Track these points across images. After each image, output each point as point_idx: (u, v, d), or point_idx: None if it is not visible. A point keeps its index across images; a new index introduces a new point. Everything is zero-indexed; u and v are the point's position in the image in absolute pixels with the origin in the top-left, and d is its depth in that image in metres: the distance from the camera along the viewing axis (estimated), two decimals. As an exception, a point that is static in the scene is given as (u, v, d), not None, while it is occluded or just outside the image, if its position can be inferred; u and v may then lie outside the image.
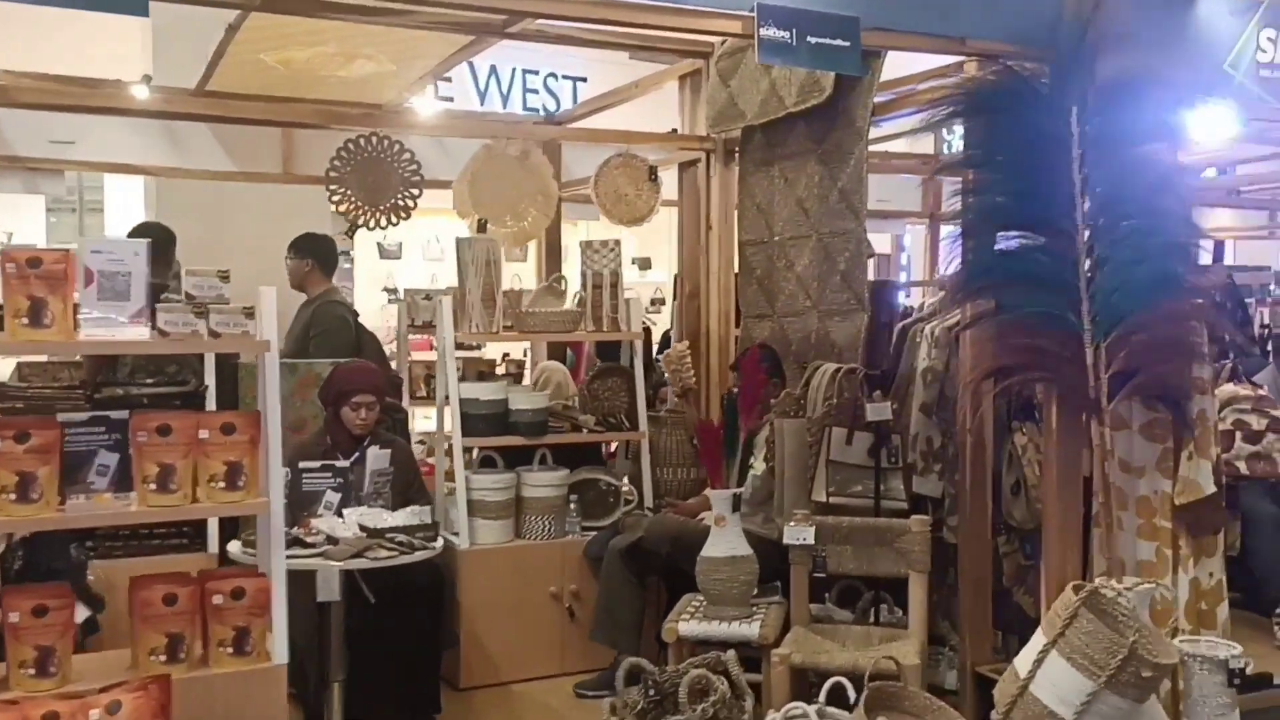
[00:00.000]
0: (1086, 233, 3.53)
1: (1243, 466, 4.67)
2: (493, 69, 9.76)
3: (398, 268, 8.95)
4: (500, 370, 6.23)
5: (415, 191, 5.13)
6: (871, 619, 4.14)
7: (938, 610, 4.37)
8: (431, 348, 7.69)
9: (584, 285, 5.07)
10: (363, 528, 3.66)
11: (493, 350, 7.14)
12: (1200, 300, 3.72)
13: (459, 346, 4.94)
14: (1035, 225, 3.56)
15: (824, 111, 4.76)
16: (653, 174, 5.42)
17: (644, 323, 6.79)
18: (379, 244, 8.61)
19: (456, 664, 4.70)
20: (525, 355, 7.30)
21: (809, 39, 3.17)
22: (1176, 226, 3.61)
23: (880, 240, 10.49)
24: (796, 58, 3.18)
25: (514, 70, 8.44)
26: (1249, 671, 5.04)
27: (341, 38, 5.28)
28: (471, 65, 8.56)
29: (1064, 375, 3.53)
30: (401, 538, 3.62)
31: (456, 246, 4.82)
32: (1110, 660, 3.03)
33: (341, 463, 3.97)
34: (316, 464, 3.89)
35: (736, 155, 5.44)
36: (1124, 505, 3.85)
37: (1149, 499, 3.79)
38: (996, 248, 3.54)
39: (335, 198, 5.01)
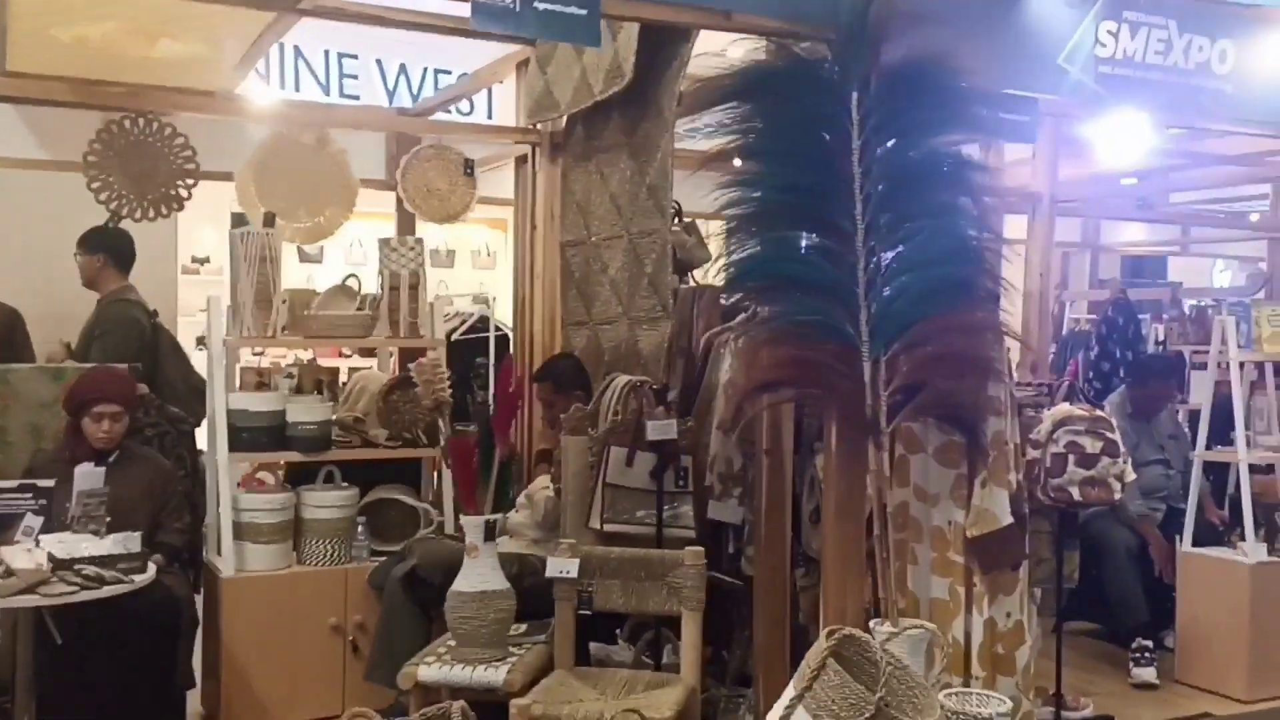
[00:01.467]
0: (866, 233, 3.17)
1: (1076, 492, 4.31)
2: (379, 63, 9.30)
3: (318, 272, 8.44)
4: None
5: (189, 181, 4.68)
6: (653, 660, 3.74)
7: (744, 649, 3.99)
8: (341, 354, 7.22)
9: (380, 286, 4.64)
10: (51, 557, 3.20)
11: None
12: (994, 311, 3.36)
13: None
14: (811, 223, 3.18)
15: (636, 100, 4.37)
16: (468, 167, 5.00)
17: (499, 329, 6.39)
18: (299, 247, 8.13)
19: (217, 705, 4.24)
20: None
21: (535, 4, 2.77)
22: (969, 228, 3.25)
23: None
24: (520, 24, 2.77)
25: (400, 65, 8.00)
26: (1091, 713, 4.76)
27: (130, 14, 4.86)
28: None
29: (840, 392, 3.15)
30: (91, 570, 3.17)
31: (230, 241, 4.38)
32: (856, 718, 2.65)
33: (44, 482, 3.51)
34: (14, 484, 3.43)
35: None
36: (919, 537, 3.49)
37: (943, 530, 3.42)
38: (766, 248, 3.15)
39: (94, 185, 4.54)
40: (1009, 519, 3.35)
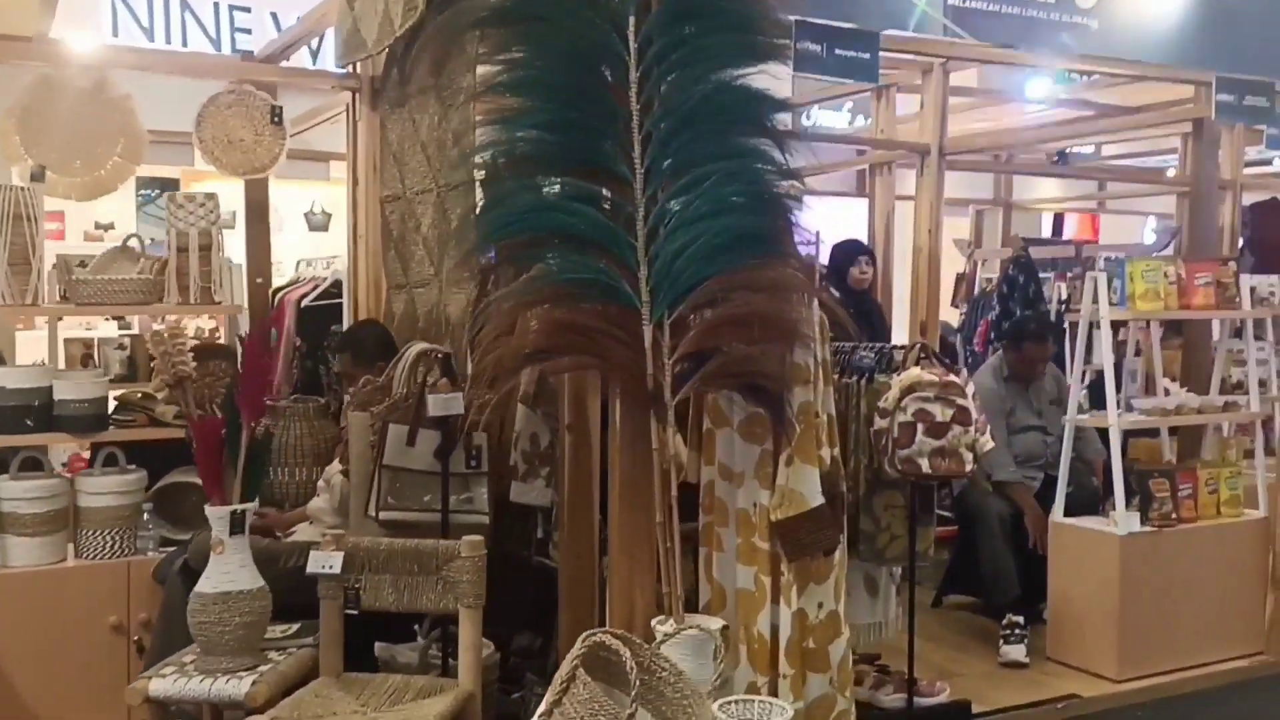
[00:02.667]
0: (647, 178, 2.77)
1: (925, 464, 3.98)
2: (274, 15, 8.78)
3: (275, 241, 7.88)
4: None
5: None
6: (444, 660, 3.36)
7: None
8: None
9: (168, 247, 4.17)
10: None
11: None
12: (799, 267, 2.98)
13: None
14: (583, 168, 2.78)
15: (441, 35, 3.92)
16: (275, 115, 4.53)
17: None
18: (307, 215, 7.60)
19: (-26, 716, 3.81)
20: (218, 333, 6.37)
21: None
22: (768, 173, 2.86)
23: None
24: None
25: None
26: (946, 698, 4.46)
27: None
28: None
29: (618, 361, 2.76)
30: None
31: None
32: (607, 738, 2.29)
33: None
34: None
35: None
36: (725, 520, 3.13)
37: (748, 513, 3.06)
38: (529, 196, 2.74)
39: None
40: (819, 500, 2.99)
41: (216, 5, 9.24)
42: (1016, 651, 4.82)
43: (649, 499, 2.88)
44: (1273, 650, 4.93)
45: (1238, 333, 6.37)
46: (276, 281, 6.16)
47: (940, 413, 3.99)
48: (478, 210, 2.79)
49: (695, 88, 2.76)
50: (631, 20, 2.74)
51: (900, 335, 7.74)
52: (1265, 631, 4.95)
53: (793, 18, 3.63)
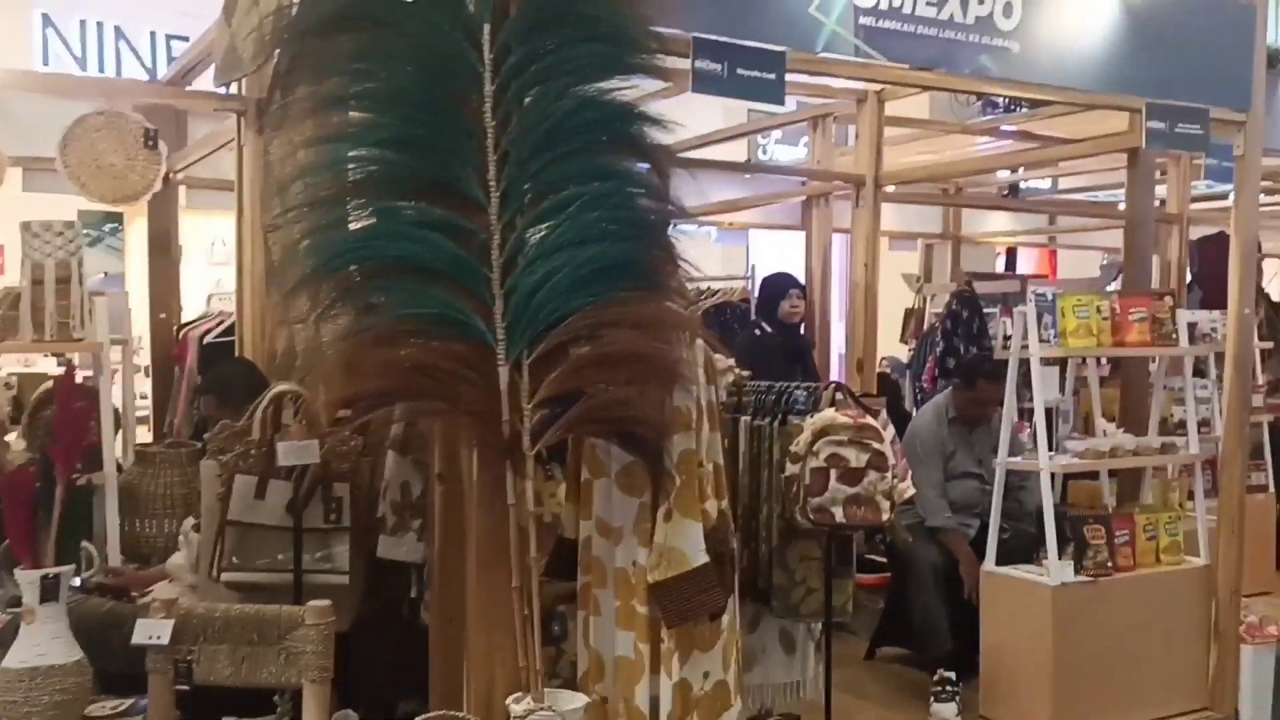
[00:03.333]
0: (503, 203, 2.49)
1: (839, 513, 3.71)
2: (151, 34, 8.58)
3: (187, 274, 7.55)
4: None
5: None
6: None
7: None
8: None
9: (21, 278, 3.85)
10: None
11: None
12: (681, 300, 2.71)
13: None
14: (430, 191, 2.49)
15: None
16: (150, 139, 4.23)
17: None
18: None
19: None
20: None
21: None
22: (641, 197, 2.59)
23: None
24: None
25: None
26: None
27: None
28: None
29: (470, 404, 2.47)
30: None
31: None
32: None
33: None
34: None
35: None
36: (603, 580, 2.83)
37: (627, 573, 2.76)
38: (369, 223, 2.46)
39: None
40: (703, 559, 2.70)
41: (153, 34, 8.96)
42: (947, 710, 4.53)
43: (504, 558, 2.58)
44: (1217, 705, 4.68)
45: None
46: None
47: (855, 458, 3.73)
48: (307, 238, 2.48)
49: (558, 103, 2.49)
50: (487, 29, 2.47)
51: (839, 373, 7.52)
52: (1209, 685, 4.70)
53: (690, 34, 3.38)
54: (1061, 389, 5.58)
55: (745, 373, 5.32)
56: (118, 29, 8.55)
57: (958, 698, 4.58)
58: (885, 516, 3.73)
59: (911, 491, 4.07)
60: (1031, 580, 4.45)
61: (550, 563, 2.94)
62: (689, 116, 7.30)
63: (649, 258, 2.58)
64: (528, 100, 2.49)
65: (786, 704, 4.14)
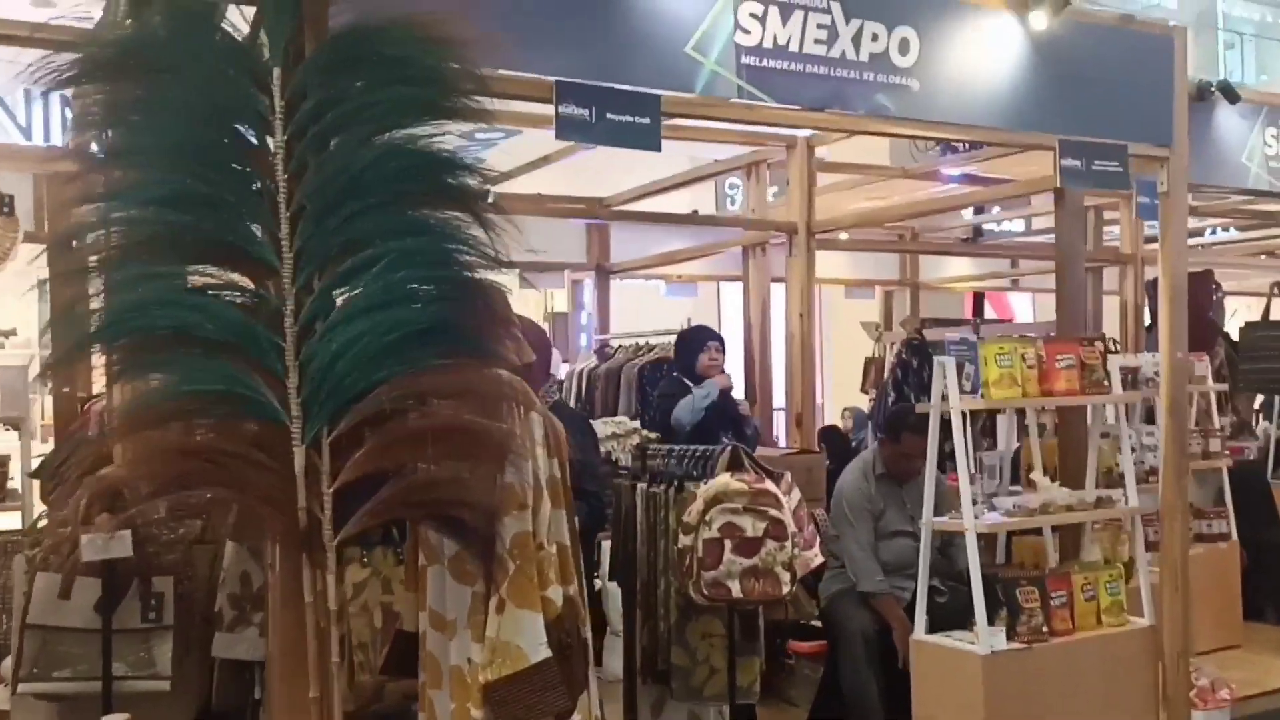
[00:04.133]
0: (298, 264, 2.24)
1: (735, 587, 3.44)
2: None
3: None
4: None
5: None
6: None
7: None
8: None
9: None
10: None
11: None
12: (513, 365, 2.45)
13: None
14: (215, 251, 2.24)
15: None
16: (4, 206, 3.99)
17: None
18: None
19: None
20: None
21: None
22: (459, 253, 2.34)
23: (551, 297, 9.28)
24: None
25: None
26: None
27: None
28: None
29: (262, 492, 2.20)
30: None
31: None
32: None
33: None
34: None
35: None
36: (438, 680, 2.54)
37: (461, 671, 2.47)
38: (144, 289, 2.20)
39: None
40: (543, 654, 2.41)
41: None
42: (876, 792, 4.23)
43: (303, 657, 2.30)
44: (1169, 776, 4.38)
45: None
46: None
47: (751, 527, 3.47)
48: (72, 306, 2.23)
49: (360, 151, 2.25)
50: (277, 73, 2.24)
51: (783, 428, 7.26)
52: (1158, 756, 4.40)
53: (553, 78, 3.17)
54: (990, 441, 5.32)
55: (653, 435, 5.10)
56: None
57: (886, 777, 4.28)
58: (786, 589, 3.46)
59: (819, 560, 3.80)
60: (961, 649, 4.15)
61: (388, 659, 2.66)
62: (638, 164, 7.16)
63: (470, 320, 2.32)
64: (326, 150, 2.25)
65: (696, 793, 3.84)
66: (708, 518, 3.43)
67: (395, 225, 2.27)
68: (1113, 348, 5.42)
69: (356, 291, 2.24)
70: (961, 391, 4.30)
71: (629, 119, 3.29)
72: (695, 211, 8.15)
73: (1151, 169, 4.40)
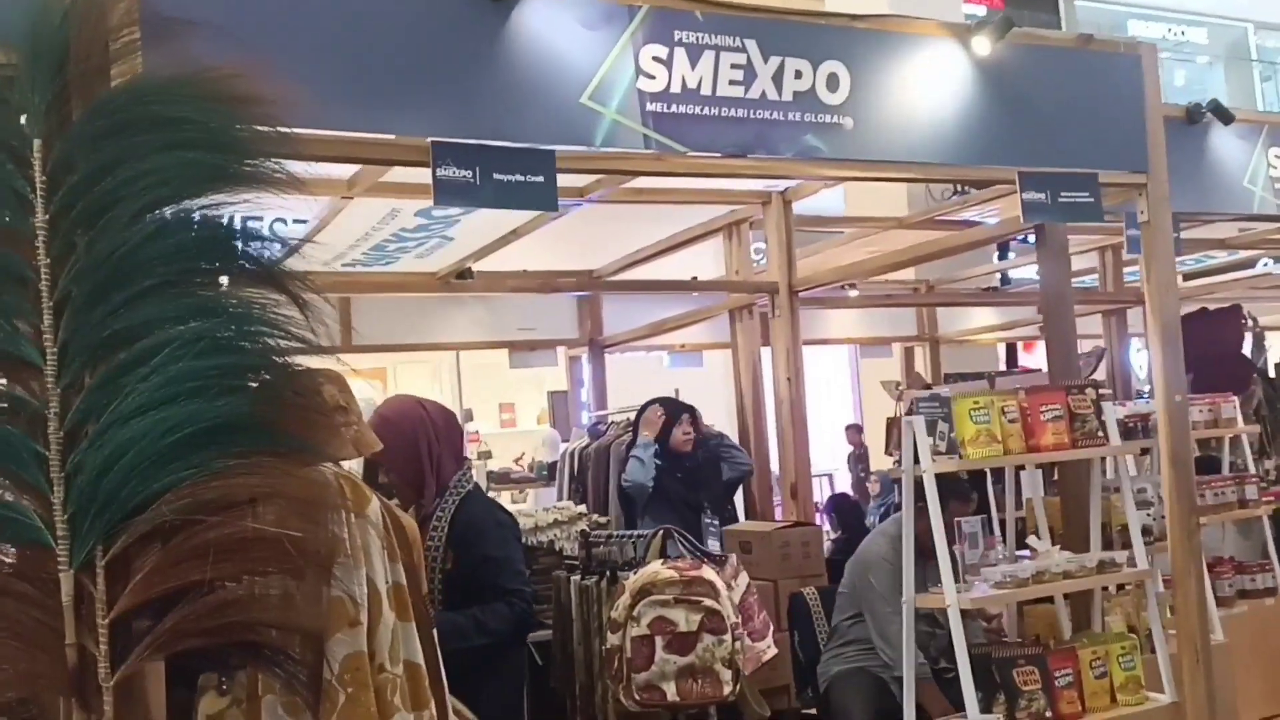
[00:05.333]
0: (64, 360, 1.96)
1: (671, 690, 3.05)
2: None
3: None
4: None
5: None
6: None
7: None
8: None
9: None
10: None
11: None
12: (341, 458, 2.13)
13: None
14: (-30, 352, 1.97)
15: None
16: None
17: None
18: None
19: None
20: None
21: None
22: (261, 335, 2.05)
23: (533, 374, 8.98)
24: None
25: None
26: None
27: None
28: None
29: (20, 628, 1.89)
30: None
31: None
32: None
33: None
34: None
35: None
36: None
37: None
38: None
39: None
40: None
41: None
42: None
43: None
44: None
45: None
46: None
47: (684, 620, 3.10)
48: None
49: (135, 227, 1.97)
50: (37, 144, 1.98)
51: (778, 499, 6.83)
52: None
53: (427, 139, 2.90)
54: (983, 505, 4.87)
55: (604, 519, 4.74)
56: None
57: None
58: (728, 689, 3.07)
59: (772, 653, 3.41)
60: (953, 741, 3.72)
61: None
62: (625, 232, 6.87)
63: (275, 412, 2.02)
64: (94, 229, 1.97)
65: None
66: (636, 612, 3.07)
67: (178, 309, 1.98)
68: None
69: (133, 388, 1.94)
70: (937, 453, 3.92)
71: (519, 178, 3.01)
72: (694, 278, 7.84)
73: (1128, 197, 4.04)
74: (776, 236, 6.10)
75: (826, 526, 7.61)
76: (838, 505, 7.42)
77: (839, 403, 13.46)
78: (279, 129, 2.11)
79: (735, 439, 6.70)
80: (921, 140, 3.62)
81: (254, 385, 2.01)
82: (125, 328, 1.96)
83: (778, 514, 6.58)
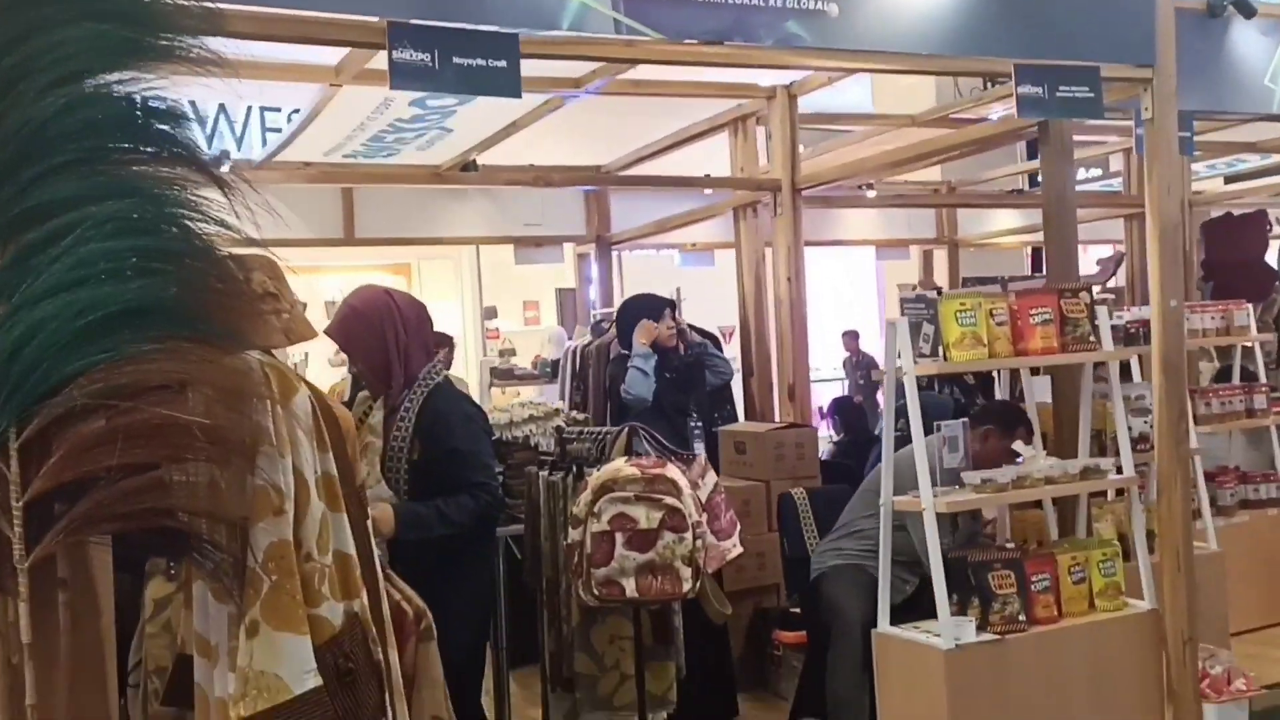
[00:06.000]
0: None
1: (630, 586, 3.04)
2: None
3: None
4: None
5: None
6: None
7: None
8: None
9: None
10: None
11: None
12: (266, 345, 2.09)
13: None
14: None
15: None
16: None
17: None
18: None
19: None
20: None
21: None
22: (182, 220, 1.99)
23: (553, 271, 8.92)
24: None
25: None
26: None
27: None
28: None
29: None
30: None
31: None
32: None
33: None
34: None
35: None
36: (205, 715, 2.21)
37: (225, 705, 2.14)
38: None
39: None
40: (310, 683, 2.06)
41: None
42: (840, 801, 3.81)
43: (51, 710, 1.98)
44: (1178, 780, 3.88)
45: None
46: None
47: (645, 518, 3.08)
48: None
49: (43, 102, 1.91)
50: (-59, 16, 1.91)
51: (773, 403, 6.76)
52: (1165, 756, 3.90)
53: (384, 19, 2.79)
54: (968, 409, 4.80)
55: (581, 415, 4.71)
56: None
57: (858, 786, 3.86)
58: (688, 587, 3.06)
59: (737, 550, 3.39)
60: (923, 643, 3.71)
61: (170, 688, 2.34)
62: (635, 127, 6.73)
63: (196, 296, 1.97)
64: (3, 103, 1.91)
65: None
66: (597, 508, 3.05)
67: (90, 188, 1.93)
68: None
69: (41, 269, 1.90)
70: (921, 355, 3.84)
71: (480, 63, 2.90)
72: (708, 175, 7.68)
73: (1132, 92, 3.86)
74: (781, 132, 5.94)
75: (830, 430, 7.57)
76: (840, 408, 7.36)
77: (865, 307, 13.32)
78: (204, 2, 2.02)
79: (739, 339, 6.65)
80: (912, 29, 3.46)
81: (172, 269, 1.96)
82: (35, 206, 1.91)
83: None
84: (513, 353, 9.05)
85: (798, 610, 5.01)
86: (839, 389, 9.43)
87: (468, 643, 3.07)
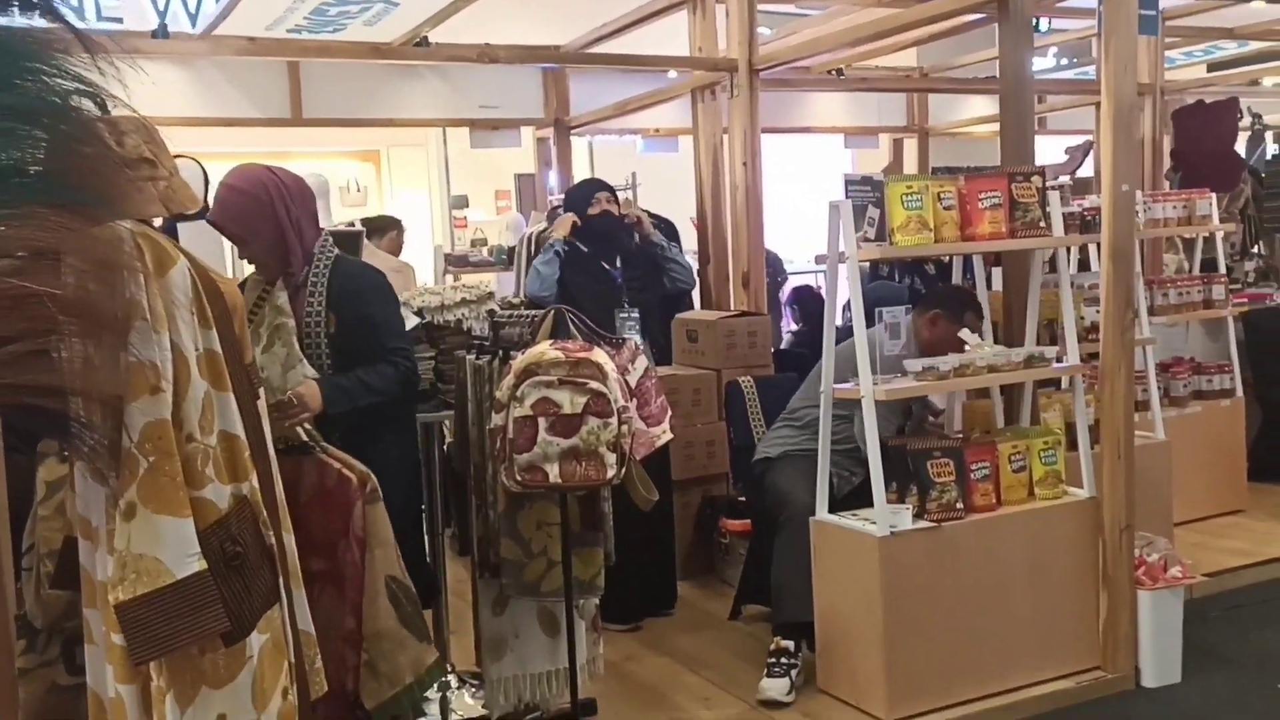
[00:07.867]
0: None
1: (553, 472, 2.97)
2: None
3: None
4: None
5: None
6: None
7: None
8: None
9: None
10: None
11: None
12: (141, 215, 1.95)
13: None
14: None
15: None
16: None
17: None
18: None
19: None
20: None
21: None
22: (43, 77, 1.84)
23: (514, 156, 8.69)
24: None
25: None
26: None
27: None
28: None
29: None
30: None
31: None
32: None
33: None
34: None
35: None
36: (92, 599, 2.14)
37: (108, 588, 2.07)
38: None
39: None
40: (193, 567, 1.98)
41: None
42: (777, 688, 3.83)
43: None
44: (1111, 664, 3.91)
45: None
46: None
47: (569, 402, 2.99)
48: None
49: None
50: None
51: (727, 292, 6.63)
52: (1099, 642, 3.92)
53: None
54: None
55: (518, 299, 4.60)
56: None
57: (794, 671, 3.87)
58: (611, 473, 2.99)
59: (668, 437, 3.32)
60: (859, 530, 3.68)
61: (59, 570, 2.27)
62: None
63: (56, 161, 1.83)
64: None
65: (548, 695, 3.47)
66: (519, 393, 2.96)
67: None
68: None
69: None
70: (865, 240, 3.74)
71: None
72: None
73: (1093, -37, 3.70)
74: (739, 9, 5.72)
75: (789, 320, 7.50)
76: (799, 297, 7.28)
77: (838, 197, 13.11)
78: None
79: (695, 224, 6.51)
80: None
81: (28, 129, 1.82)
82: None
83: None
84: (484, 242, 8.87)
85: (744, 499, 5.00)
86: (814, 280, 9.30)
87: (399, 506, 3.04)
